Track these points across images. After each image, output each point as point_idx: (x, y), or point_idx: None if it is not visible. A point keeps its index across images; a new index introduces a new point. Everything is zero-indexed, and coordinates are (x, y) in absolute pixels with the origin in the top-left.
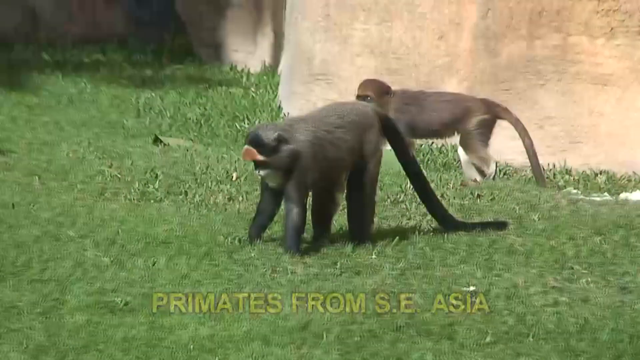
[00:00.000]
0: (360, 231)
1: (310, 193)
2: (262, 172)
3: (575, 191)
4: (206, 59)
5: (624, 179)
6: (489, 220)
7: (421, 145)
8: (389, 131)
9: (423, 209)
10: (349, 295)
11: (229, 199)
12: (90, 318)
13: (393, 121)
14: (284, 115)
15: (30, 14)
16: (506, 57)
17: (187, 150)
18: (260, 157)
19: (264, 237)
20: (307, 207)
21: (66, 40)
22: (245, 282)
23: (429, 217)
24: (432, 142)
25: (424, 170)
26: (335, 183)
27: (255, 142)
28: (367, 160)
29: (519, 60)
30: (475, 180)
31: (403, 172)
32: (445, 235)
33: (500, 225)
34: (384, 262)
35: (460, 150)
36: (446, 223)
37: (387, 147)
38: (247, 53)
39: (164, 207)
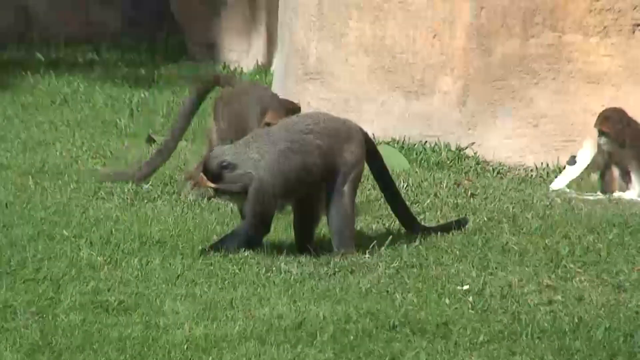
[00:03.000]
0: (342, 242)
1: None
2: (221, 198)
3: (568, 190)
4: (200, 59)
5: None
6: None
7: (414, 145)
8: (369, 151)
9: (417, 208)
10: (344, 294)
11: None
12: (85, 317)
13: (373, 141)
14: None
15: (23, 13)
16: (500, 55)
17: (181, 149)
18: (211, 185)
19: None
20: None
21: (60, 39)
22: (239, 281)
23: (423, 216)
24: (426, 141)
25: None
26: (312, 192)
27: (205, 169)
28: (348, 169)
29: (513, 59)
30: (469, 180)
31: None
32: (440, 234)
33: (462, 223)
34: (379, 261)
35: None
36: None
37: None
38: (240, 52)
39: (158, 206)
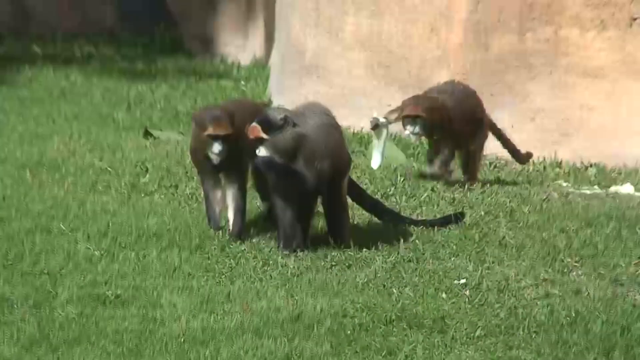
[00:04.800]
0: (341, 234)
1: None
2: (262, 152)
3: (565, 184)
4: (197, 53)
5: (614, 171)
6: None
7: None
8: None
9: (414, 202)
10: (340, 288)
11: None
12: (82, 310)
13: None
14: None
15: (21, 7)
16: (497, 50)
17: (178, 143)
18: (264, 135)
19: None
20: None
21: (57, 33)
22: (237, 275)
23: (420, 210)
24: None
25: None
26: (333, 184)
27: (263, 120)
28: (346, 165)
29: (510, 54)
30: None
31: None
32: (437, 228)
33: (459, 217)
34: (375, 255)
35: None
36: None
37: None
38: (237, 46)
39: (155, 199)
